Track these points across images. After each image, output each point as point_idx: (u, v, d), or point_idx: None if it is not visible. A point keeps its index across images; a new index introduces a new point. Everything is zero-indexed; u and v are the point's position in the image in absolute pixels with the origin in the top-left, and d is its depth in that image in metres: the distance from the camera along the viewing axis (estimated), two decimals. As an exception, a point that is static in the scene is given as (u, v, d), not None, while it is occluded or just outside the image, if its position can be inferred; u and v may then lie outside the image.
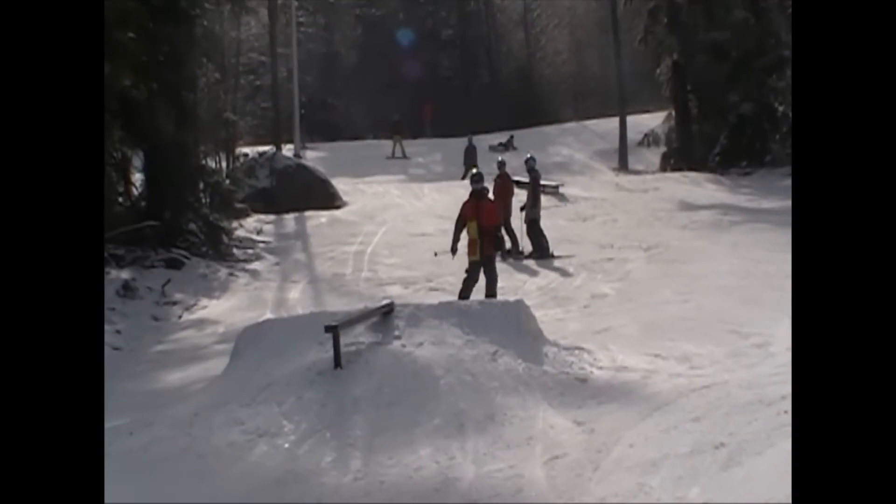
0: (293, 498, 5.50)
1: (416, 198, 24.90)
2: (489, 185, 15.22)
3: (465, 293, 12.84)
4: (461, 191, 22.85)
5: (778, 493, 4.42)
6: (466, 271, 13.15)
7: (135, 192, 20.63)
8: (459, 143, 33.64)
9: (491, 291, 13.09)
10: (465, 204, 13.61)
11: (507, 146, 34.27)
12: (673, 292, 12.92)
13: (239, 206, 22.05)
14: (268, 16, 33.28)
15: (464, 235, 13.30)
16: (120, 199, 19.96)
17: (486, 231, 13.11)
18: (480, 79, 47.30)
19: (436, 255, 15.61)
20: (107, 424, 7.33)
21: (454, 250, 13.40)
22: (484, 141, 33.26)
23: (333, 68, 46.12)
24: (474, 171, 14.61)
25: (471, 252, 13.11)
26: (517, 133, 36.80)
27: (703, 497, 4.78)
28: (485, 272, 13.03)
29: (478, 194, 13.55)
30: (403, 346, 7.82)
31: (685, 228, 18.69)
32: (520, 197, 18.12)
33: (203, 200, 20.62)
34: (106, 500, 5.71)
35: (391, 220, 21.91)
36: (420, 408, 6.64)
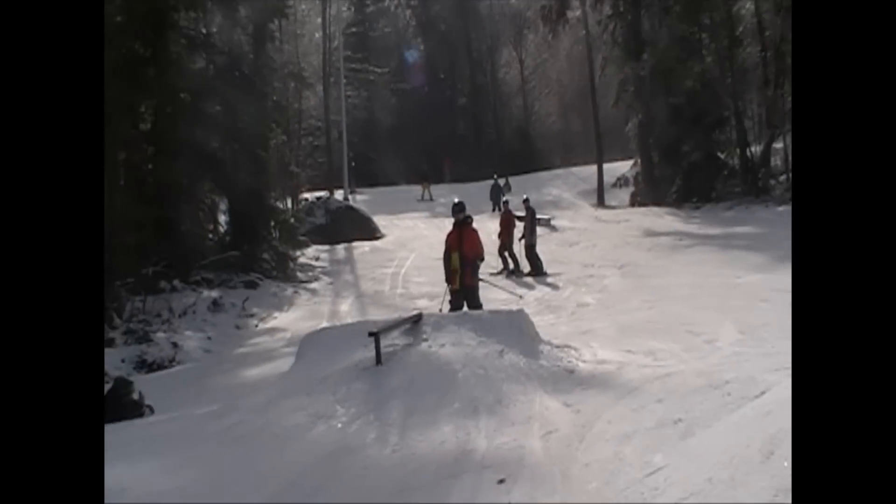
0: (345, 467, 5.51)
1: (439, 230, 24.85)
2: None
3: None
4: (475, 224, 22.86)
5: (723, 457, 4.40)
6: (450, 302, 11.13)
7: (221, 229, 20.77)
8: (473, 187, 33.81)
9: None
10: (449, 235, 11.39)
11: (506, 188, 34.26)
12: (641, 301, 12.87)
13: (301, 238, 22.19)
14: (322, 91, 33.57)
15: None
16: (210, 235, 20.10)
17: (468, 261, 10.99)
18: (488, 136, 47.38)
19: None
20: (201, 410, 7.40)
21: (450, 281, 11.21)
22: (490, 185, 33.27)
23: (374, 130, 46.30)
24: (456, 200, 12.00)
25: (452, 281, 11.07)
26: (518, 178, 36.87)
27: (665, 461, 4.75)
28: (467, 303, 10.83)
29: (460, 224, 11.27)
30: (430, 346, 7.83)
31: (650, 251, 18.66)
32: (519, 228, 18.13)
33: (273, 234, 20.76)
34: (204, 469, 5.76)
35: (419, 248, 21.98)
36: (443, 395, 6.65)
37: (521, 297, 12.69)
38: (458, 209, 11.46)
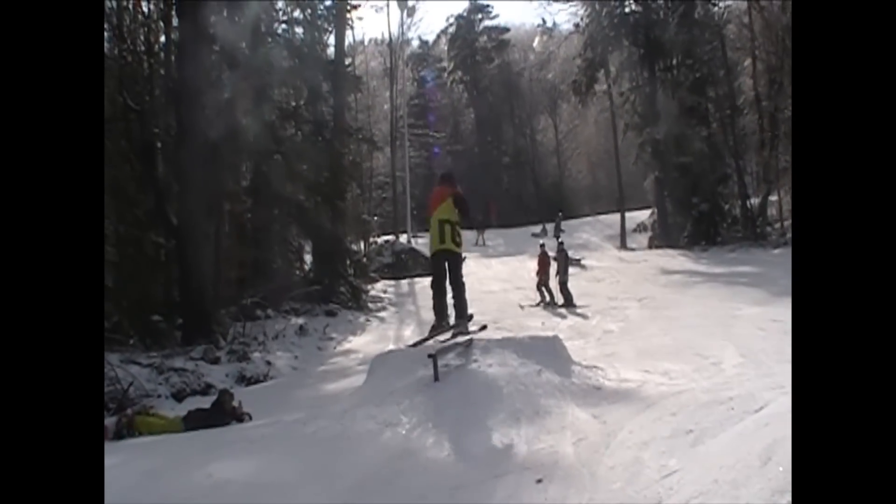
0: (408, 467, 5.53)
1: (486, 268, 24.93)
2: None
3: (437, 305, 9.36)
4: (515, 262, 22.89)
5: (728, 462, 4.35)
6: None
7: (306, 267, 21.04)
8: (516, 231, 33.92)
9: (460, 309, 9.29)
10: (440, 193, 9.08)
11: (543, 233, 34.18)
12: (657, 329, 12.74)
13: (372, 275, 22.36)
14: (390, 152, 34.01)
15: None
16: (297, 272, 20.39)
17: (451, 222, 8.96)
18: (528, 189, 47.38)
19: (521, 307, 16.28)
20: (290, 417, 7.48)
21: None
22: (530, 230, 33.30)
23: (432, 184, 46.62)
24: (443, 172, 8.69)
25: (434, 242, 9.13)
26: (553, 225, 36.71)
27: (678, 465, 4.71)
28: (449, 267, 9.35)
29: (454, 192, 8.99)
30: (479, 366, 7.78)
31: (665, 286, 18.46)
32: (554, 266, 18.07)
33: (349, 272, 20.95)
34: (293, 465, 5.82)
35: (469, 282, 21.70)
36: (490, 407, 6.63)
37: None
38: (446, 178, 9.34)
